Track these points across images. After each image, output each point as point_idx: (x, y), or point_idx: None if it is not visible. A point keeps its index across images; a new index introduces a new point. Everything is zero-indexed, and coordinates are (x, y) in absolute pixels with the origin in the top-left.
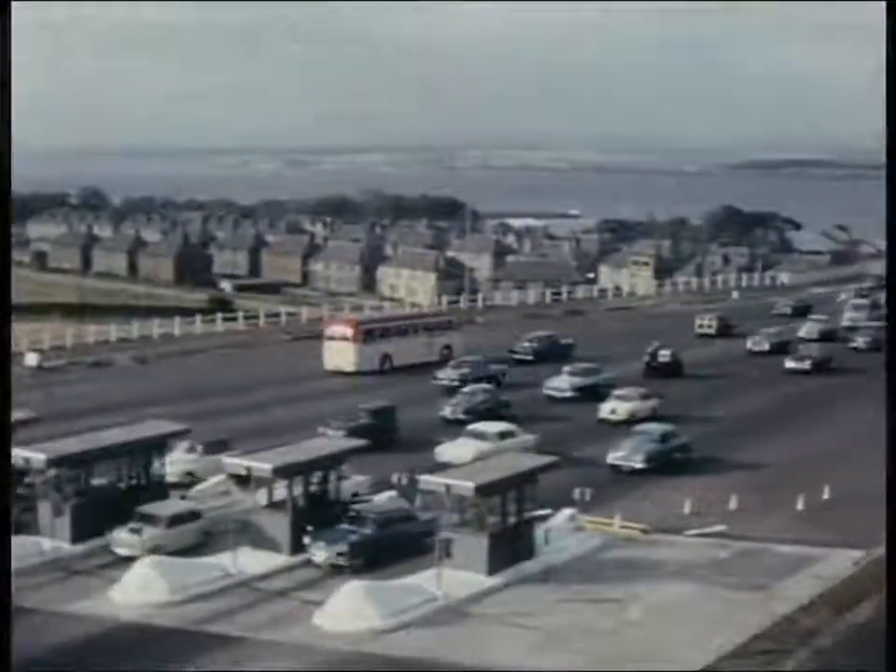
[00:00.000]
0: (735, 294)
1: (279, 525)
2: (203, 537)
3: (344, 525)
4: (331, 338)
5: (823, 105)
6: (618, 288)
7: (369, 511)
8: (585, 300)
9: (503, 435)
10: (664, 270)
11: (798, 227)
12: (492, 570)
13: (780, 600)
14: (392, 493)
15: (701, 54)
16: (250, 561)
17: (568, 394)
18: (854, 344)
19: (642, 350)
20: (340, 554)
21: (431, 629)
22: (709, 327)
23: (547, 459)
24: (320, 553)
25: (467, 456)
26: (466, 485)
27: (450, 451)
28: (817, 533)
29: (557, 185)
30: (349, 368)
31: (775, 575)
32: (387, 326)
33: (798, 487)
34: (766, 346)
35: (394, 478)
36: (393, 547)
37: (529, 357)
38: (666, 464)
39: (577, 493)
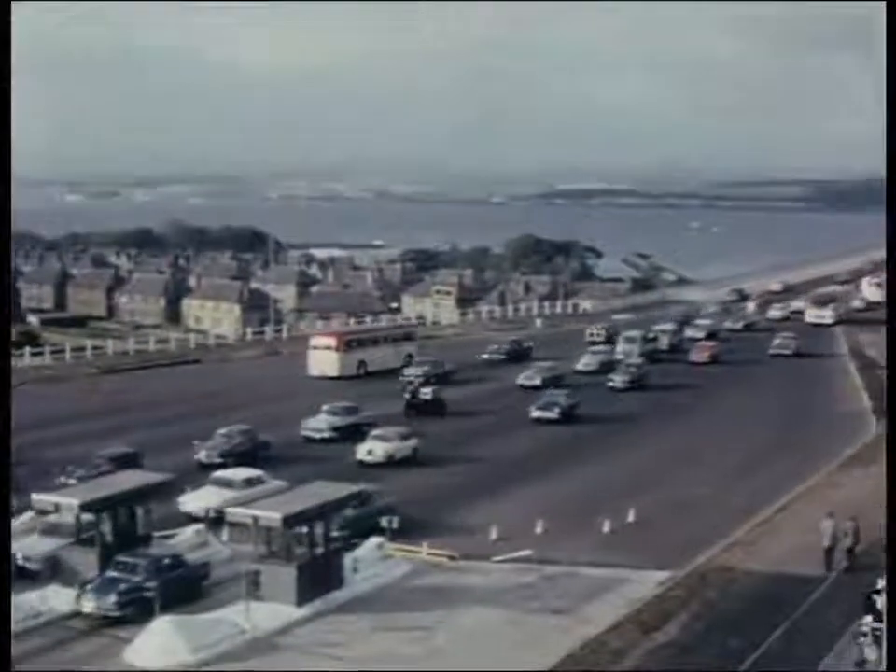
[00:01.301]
0: (538, 322)
1: (86, 562)
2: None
3: (114, 573)
4: (316, 347)
5: (629, 136)
6: (421, 318)
7: (139, 558)
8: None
9: (250, 482)
10: (467, 299)
11: (599, 255)
12: (301, 601)
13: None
14: (199, 525)
15: (513, 85)
16: (60, 597)
17: (326, 434)
18: (612, 384)
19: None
20: (109, 605)
21: (240, 662)
22: (498, 350)
23: (354, 489)
24: (89, 604)
25: (210, 506)
26: (272, 516)
27: (192, 501)
28: None
29: (364, 215)
30: (333, 373)
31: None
32: (362, 337)
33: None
34: (538, 381)
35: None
36: (165, 594)
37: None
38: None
39: (385, 521)
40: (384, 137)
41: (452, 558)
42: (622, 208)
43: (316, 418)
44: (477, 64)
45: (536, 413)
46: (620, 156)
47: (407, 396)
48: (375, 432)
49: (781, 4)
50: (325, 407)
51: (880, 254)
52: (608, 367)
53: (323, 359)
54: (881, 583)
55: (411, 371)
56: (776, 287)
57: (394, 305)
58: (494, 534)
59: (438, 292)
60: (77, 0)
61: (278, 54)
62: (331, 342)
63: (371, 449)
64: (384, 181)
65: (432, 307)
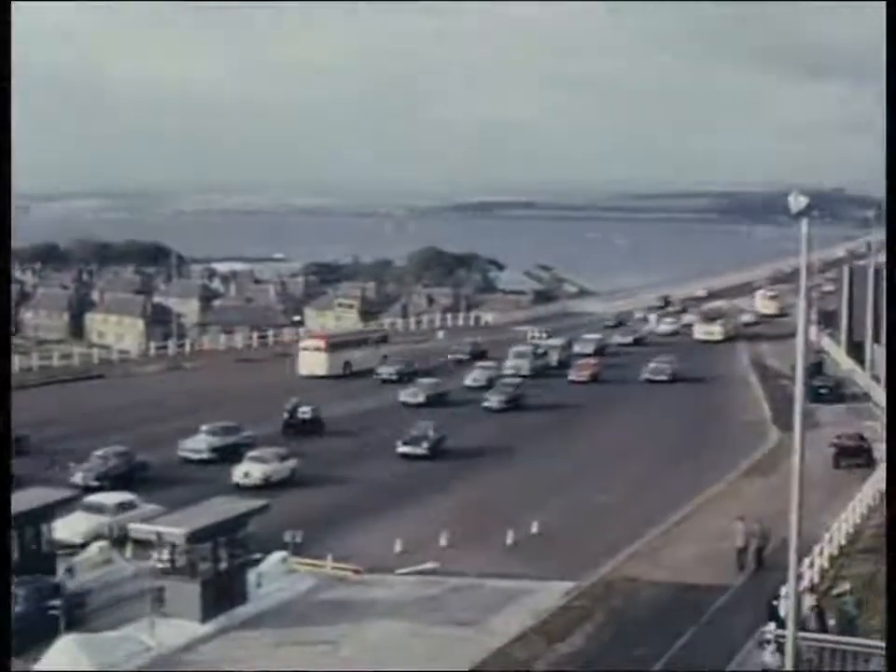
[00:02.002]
0: (440, 334)
1: None
2: None
3: None
4: (306, 349)
5: (532, 150)
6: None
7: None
8: (292, 342)
9: (123, 506)
10: (369, 311)
11: (501, 267)
12: (205, 617)
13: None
14: (104, 543)
15: (416, 99)
16: None
17: (205, 455)
18: (487, 404)
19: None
20: None
21: None
22: (391, 374)
23: (258, 503)
24: None
25: (80, 533)
26: (176, 532)
27: (63, 528)
28: None
29: (271, 228)
30: (322, 372)
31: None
32: (346, 340)
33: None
34: (422, 399)
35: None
36: (41, 623)
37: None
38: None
39: (288, 535)
40: (289, 151)
41: (356, 572)
42: (523, 221)
43: (195, 438)
44: (380, 78)
45: (402, 449)
46: (522, 169)
47: (285, 415)
48: (252, 453)
49: (685, 18)
50: (204, 427)
51: (780, 265)
52: (492, 383)
53: (313, 360)
54: (784, 590)
55: (385, 370)
56: (678, 297)
57: (296, 318)
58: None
59: (340, 305)
60: None
61: (188, 67)
62: (321, 343)
63: (248, 471)
64: (288, 195)
65: (335, 320)
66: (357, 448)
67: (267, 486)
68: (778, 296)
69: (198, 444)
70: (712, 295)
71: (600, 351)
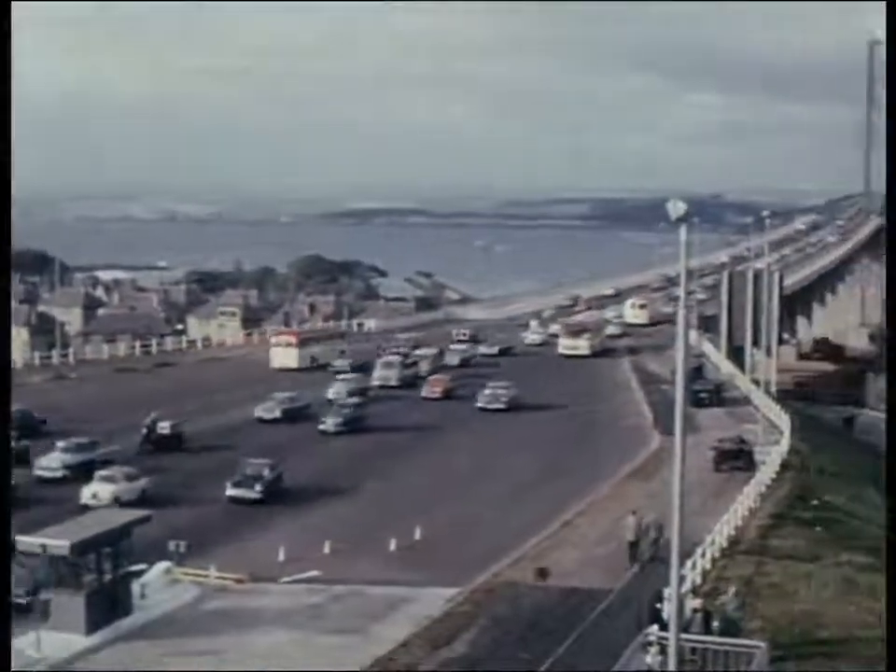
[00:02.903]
0: None
1: None
2: None
3: None
4: (278, 344)
5: (417, 156)
6: (207, 339)
7: None
8: (175, 351)
9: None
10: (252, 319)
11: (383, 274)
12: (90, 629)
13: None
14: None
15: (303, 105)
16: None
17: (59, 474)
18: (323, 427)
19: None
20: None
21: None
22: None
23: (140, 514)
24: None
25: None
26: (61, 544)
27: None
28: None
29: (154, 236)
30: (293, 365)
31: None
32: (312, 336)
33: None
34: (278, 414)
35: None
36: None
37: None
38: None
39: (172, 545)
40: (174, 158)
41: (240, 581)
42: (408, 227)
43: (49, 456)
44: (265, 84)
45: (231, 492)
46: (407, 175)
47: (143, 430)
48: (101, 473)
49: (573, 25)
50: (59, 444)
51: (661, 271)
52: (359, 394)
53: (284, 354)
54: (667, 592)
55: (340, 363)
56: (553, 303)
57: (179, 327)
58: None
59: (223, 313)
60: None
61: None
62: (292, 339)
63: (96, 492)
64: (173, 202)
65: (217, 328)
66: (215, 465)
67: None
68: (647, 305)
69: (51, 462)
70: (597, 299)
71: (466, 362)
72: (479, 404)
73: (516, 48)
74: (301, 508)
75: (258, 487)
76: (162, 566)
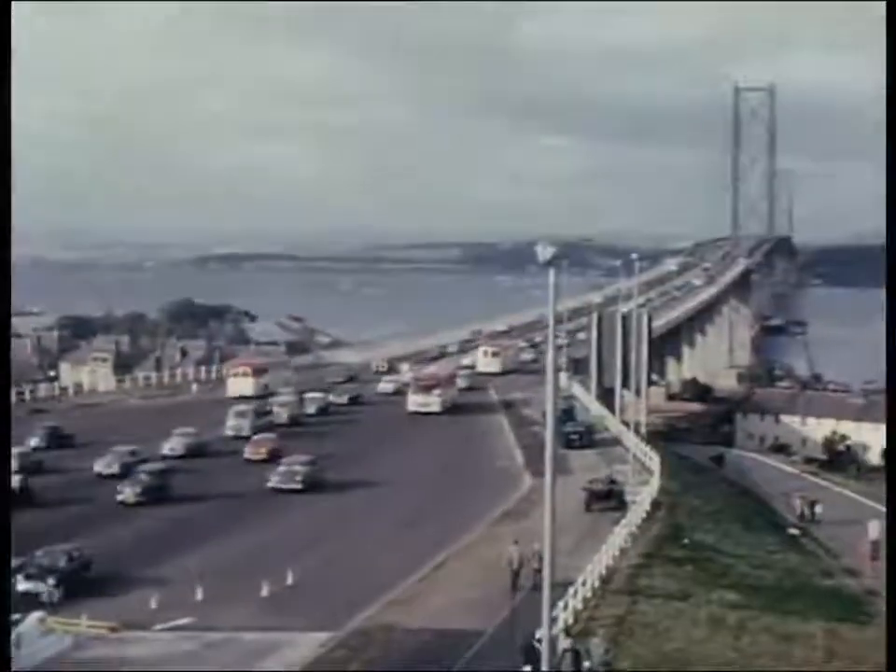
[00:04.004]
0: (194, 387)
1: None
2: None
3: None
4: (236, 374)
5: (284, 201)
6: (79, 385)
7: None
8: (48, 398)
9: None
10: (123, 365)
11: (253, 318)
12: None
13: None
14: None
15: (158, 150)
16: None
17: None
18: (122, 497)
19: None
20: None
21: None
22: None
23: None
24: None
25: None
26: None
27: None
28: None
29: (20, 281)
30: (249, 393)
31: None
32: (262, 367)
33: None
34: (116, 469)
35: None
36: None
37: None
38: None
39: (45, 594)
40: (38, 202)
41: (113, 629)
42: (276, 272)
43: None
44: (121, 129)
45: (22, 587)
46: (274, 221)
47: None
48: None
49: (431, 72)
50: None
51: (530, 314)
52: (197, 450)
53: (241, 383)
54: (539, 633)
55: (285, 390)
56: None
57: (52, 373)
58: None
59: (95, 359)
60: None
61: None
62: (248, 370)
63: None
64: (35, 248)
65: (89, 374)
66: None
67: None
68: (500, 352)
69: None
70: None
71: (325, 410)
72: (270, 484)
73: (375, 94)
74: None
75: (51, 581)
76: (36, 615)
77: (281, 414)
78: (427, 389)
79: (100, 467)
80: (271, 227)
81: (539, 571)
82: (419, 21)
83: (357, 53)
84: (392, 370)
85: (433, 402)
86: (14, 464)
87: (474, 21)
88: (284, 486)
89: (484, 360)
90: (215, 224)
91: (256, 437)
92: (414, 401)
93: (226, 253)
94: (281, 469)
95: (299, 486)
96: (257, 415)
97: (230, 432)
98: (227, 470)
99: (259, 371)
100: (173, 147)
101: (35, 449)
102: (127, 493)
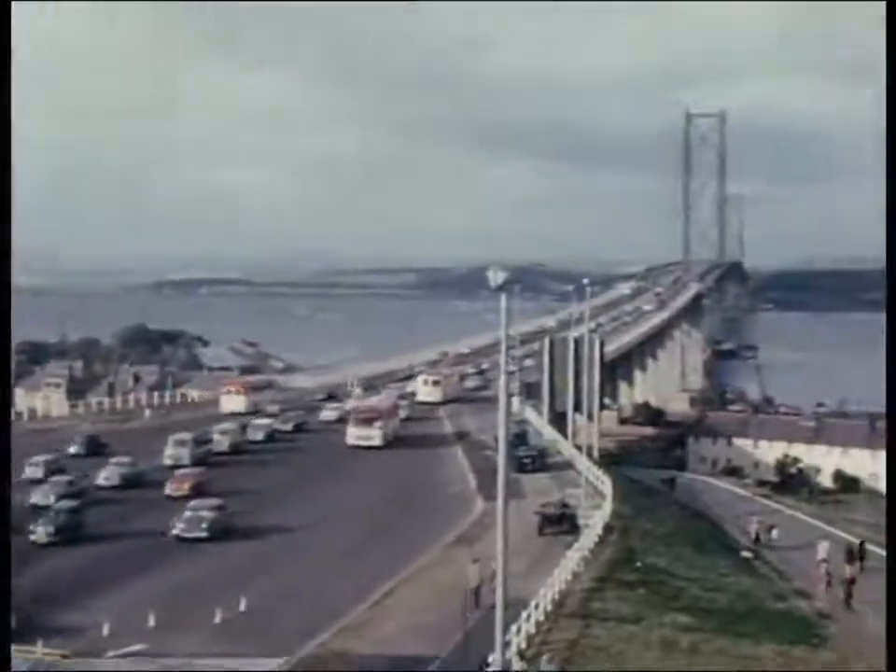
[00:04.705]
0: (147, 413)
1: None
2: None
3: None
4: (229, 392)
5: (240, 227)
6: (33, 411)
7: None
8: None
9: None
10: (77, 391)
11: (206, 343)
12: None
13: None
14: None
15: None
16: None
17: None
18: (34, 537)
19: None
20: None
21: None
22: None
23: None
24: None
25: None
26: None
27: None
28: None
29: None
30: (241, 410)
31: None
32: (253, 386)
33: None
34: (51, 500)
35: None
36: None
37: None
38: None
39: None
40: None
41: (65, 656)
42: (232, 297)
43: None
44: (78, 153)
45: None
46: (230, 246)
47: None
48: None
49: (383, 97)
50: None
51: (481, 339)
52: (133, 481)
53: (234, 401)
54: (491, 657)
55: (271, 408)
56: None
57: None
58: None
59: (48, 384)
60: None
61: None
62: (240, 388)
63: None
64: None
65: (42, 400)
66: None
67: None
68: (442, 380)
69: None
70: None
71: (271, 437)
72: (174, 531)
73: (330, 119)
74: None
75: None
76: None
77: (222, 442)
78: (367, 422)
79: (37, 497)
80: (227, 252)
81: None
82: (375, 49)
83: (313, 80)
84: (333, 397)
85: (374, 435)
86: None
87: (430, 50)
88: (187, 535)
89: (425, 389)
90: (172, 249)
91: (179, 471)
92: (353, 434)
93: (182, 278)
94: (186, 514)
95: (204, 534)
96: (197, 444)
97: (168, 461)
98: (151, 507)
99: (249, 390)
100: (131, 173)
101: None
102: (39, 532)
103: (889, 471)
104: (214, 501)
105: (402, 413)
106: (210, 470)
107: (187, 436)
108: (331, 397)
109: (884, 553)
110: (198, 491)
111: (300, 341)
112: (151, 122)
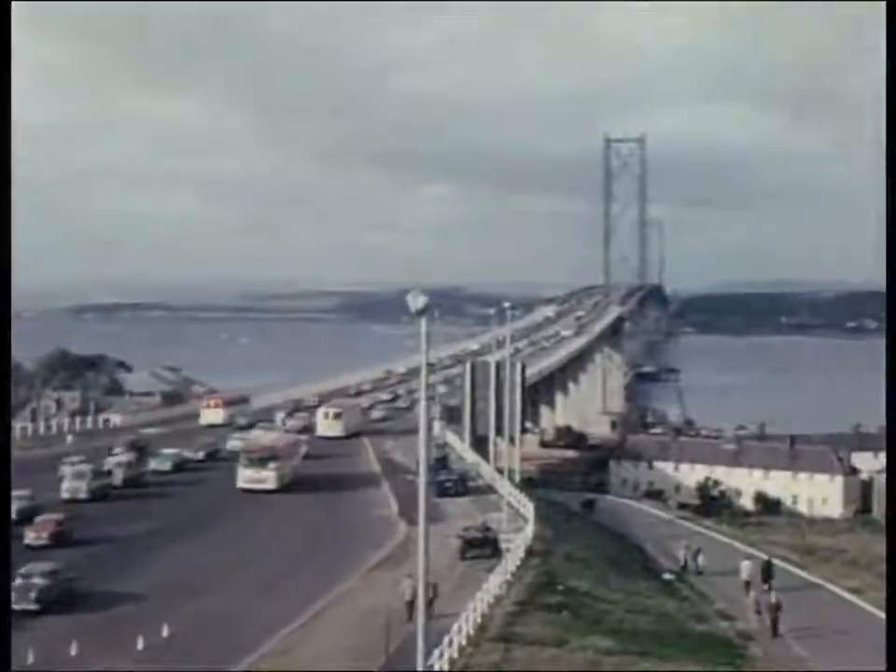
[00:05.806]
0: (69, 438)
1: None
2: None
3: None
4: (208, 406)
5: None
6: None
7: None
8: None
9: None
10: None
11: (129, 369)
12: None
13: None
14: None
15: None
16: None
17: None
18: None
19: None
20: None
21: None
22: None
23: None
24: None
25: None
26: None
27: None
28: None
29: None
30: (219, 422)
31: None
32: (230, 400)
33: None
34: None
35: None
36: None
37: None
38: None
39: None
40: None
41: None
42: (152, 322)
43: None
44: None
45: None
46: (153, 270)
47: None
48: None
49: (306, 121)
50: None
51: (403, 363)
52: (29, 515)
53: (212, 414)
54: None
55: (243, 420)
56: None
57: None
58: None
59: None
60: None
61: None
62: (219, 402)
63: None
64: None
65: None
66: None
67: None
68: (343, 413)
69: None
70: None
71: (181, 467)
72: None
73: (253, 144)
74: None
75: None
76: None
77: (118, 475)
78: (261, 462)
79: None
80: (149, 276)
81: (431, 602)
82: (292, 71)
83: (236, 105)
84: (244, 427)
85: (268, 478)
86: None
87: (353, 74)
88: (15, 607)
89: (325, 423)
90: (93, 272)
91: (39, 518)
92: (244, 477)
93: (102, 303)
94: (16, 582)
95: (33, 607)
96: (95, 475)
97: (66, 495)
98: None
99: (227, 404)
100: (50, 195)
101: None
102: None
103: (890, 471)
104: (47, 566)
105: (303, 450)
106: (102, 505)
107: (86, 467)
108: (242, 427)
109: (803, 574)
110: (58, 539)
111: (222, 365)
112: (70, 144)
